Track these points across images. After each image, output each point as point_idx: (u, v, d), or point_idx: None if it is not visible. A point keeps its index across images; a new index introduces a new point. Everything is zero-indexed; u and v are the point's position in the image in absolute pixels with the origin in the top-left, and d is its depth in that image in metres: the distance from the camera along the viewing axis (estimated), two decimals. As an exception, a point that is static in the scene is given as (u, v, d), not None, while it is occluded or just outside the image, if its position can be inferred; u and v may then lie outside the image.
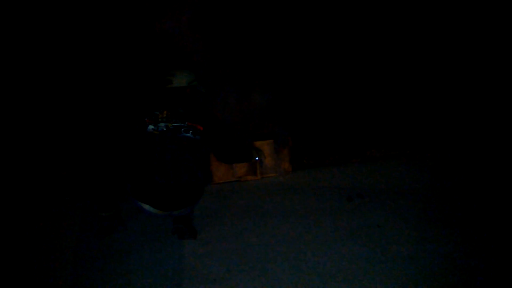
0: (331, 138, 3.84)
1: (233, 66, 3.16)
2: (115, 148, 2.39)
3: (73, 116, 3.42)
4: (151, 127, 2.22)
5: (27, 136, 3.36)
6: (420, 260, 2.12)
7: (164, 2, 3.06)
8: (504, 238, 2.29)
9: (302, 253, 2.23)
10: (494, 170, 3.25)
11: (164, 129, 2.22)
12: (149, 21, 3.04)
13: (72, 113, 3.42)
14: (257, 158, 2.89)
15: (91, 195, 2.61)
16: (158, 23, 3.01)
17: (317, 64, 3.82)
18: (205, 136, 2.29)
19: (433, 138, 3.82)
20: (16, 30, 3.24)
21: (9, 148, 3.28)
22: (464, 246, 2.23)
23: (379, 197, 2.89)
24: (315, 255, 2.21)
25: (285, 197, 2.99)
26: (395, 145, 3.80)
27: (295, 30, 3.65)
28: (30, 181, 3.20)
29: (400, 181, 3.16)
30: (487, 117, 3.82)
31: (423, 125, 3.91)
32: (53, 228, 2.61)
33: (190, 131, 2.24)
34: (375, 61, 3.91)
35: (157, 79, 2.48)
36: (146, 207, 2.22)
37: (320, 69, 3.85)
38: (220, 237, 2.44)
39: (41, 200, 3.02)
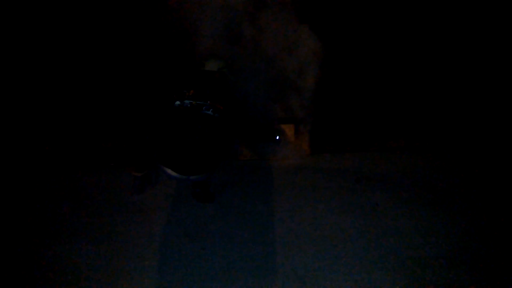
0: (350, 126, 4.01)
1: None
2: (148, 120, 2.78)
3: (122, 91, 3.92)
4: (177, 102, 2.59)
5: (76, 108, 3.90)
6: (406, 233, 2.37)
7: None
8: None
9: (303, 222, 2.55)
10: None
11: (189, 105, 2.58)
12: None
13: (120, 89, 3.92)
14: (277, 137, 3.15)
15: (129, 158, 3.05)
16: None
17: (342, 52, 3.99)
18: (224, 115, 2.62)
19: (448, 135, 3.90)
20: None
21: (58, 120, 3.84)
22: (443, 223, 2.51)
23: (385, 181, 3.09)
24: (314, 224, 2.50)
25: (298, 176, 3.25)
26: (413, 138, 3.90)
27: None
28: (81, 148, 3.74)
29: (410, 171, 3.30)
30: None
31: (440, 122, 4.00)
32: (94, 185, 3.10)
33: (211, 109, 2.58)
34: (402, 51, 4.03)
35: (192, 61, 2.85)
36: (169, 171, 2.59)
37: (345, 56, 4.01)
38: (235, 203, 2.81)
39: (89, 164, 3.53)
